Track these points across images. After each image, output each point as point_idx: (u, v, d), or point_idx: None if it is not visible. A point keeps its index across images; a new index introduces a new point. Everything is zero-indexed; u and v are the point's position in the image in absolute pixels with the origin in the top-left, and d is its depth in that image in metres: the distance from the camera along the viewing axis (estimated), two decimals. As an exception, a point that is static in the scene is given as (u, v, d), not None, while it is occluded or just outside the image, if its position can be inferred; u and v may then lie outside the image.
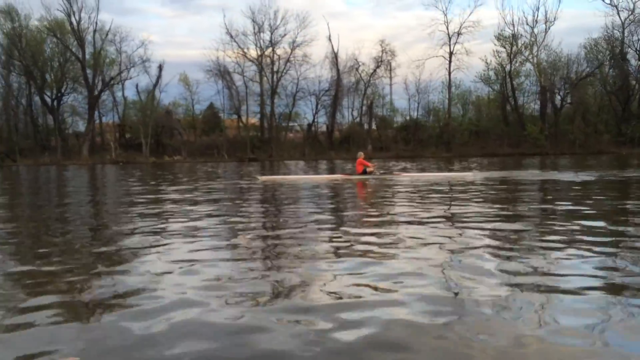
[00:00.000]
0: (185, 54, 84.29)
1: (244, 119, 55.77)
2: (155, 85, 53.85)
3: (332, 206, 9.20)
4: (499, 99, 52.62)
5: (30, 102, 52.68)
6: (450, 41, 49.11)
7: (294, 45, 50.49)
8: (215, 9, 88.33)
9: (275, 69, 51.37)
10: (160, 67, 53.55)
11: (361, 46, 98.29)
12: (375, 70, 54.51)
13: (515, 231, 5.74)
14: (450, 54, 49.21)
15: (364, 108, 54.25)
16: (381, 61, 54.16)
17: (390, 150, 48.94)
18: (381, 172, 17.17)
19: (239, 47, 51.71)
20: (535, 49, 49.89)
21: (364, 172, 16.45)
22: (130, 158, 48.69)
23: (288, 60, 50.68)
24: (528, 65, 51.19)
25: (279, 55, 51.86)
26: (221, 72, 53.37)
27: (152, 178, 21.79)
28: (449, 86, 49.95)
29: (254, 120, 56.99)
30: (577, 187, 11.75)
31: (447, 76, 49.81)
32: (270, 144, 50.13)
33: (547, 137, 47.24)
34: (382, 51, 53.79)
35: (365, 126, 54.09)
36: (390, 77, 54.19)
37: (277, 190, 12.59)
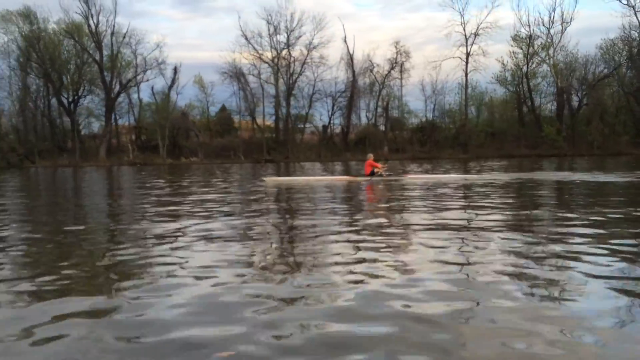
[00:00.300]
0: (195, 56, 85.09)
1: (258, 120, 56.15)
2: (170, 87, 54.27)
3: (340, 206, 9.21)
4: (514, 100, 52.45)
5: (48, 104, 53.11)
6: (467, 42, 48.97)
7: (310, 47, 50.64)
8: (225, 11, 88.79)
9: (291, 70, 51.49)
10: (175, 69, 54.01)
11: (375, 47, 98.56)
12: (389, 72, 54.59)
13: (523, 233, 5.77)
14: (467, 55, 49.14)
15: (379, 109, 54.27)
16: (395, 62, 54.26)
17: (406, 152, 48.90)
18: (387, 173, 17.08)
19: (254, 48, 51.98)
20: (551, 50, 49.72)
21: (372, 174, 16.50)
22: (148, 160, 49.07)
23: (304, 62, 50.79)
24: (544, 67, 51.13)
25: (294, 57, 52.17)
26: (236, 74, 53.78)
27: (172, 179, 22.01)
28: (466, 87, 49.91)
29: (268, 122, 57.26)
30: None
31: (464, 77, 49.69)
32: (287, 146, 50.23)
33: (564, 139, 46.98)
34: (397, 52, 53.93)
35: (381, 127, 54.02)
36: (401, 79, 54.17)
37: (284, 193, 12.65)
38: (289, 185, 15.70)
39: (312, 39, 50.91)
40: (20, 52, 52.04)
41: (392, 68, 54.29)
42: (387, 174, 16.88)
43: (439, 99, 52.20)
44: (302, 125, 54.65)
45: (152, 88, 55.41)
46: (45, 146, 52.11)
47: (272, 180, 17.29)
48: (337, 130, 56.64)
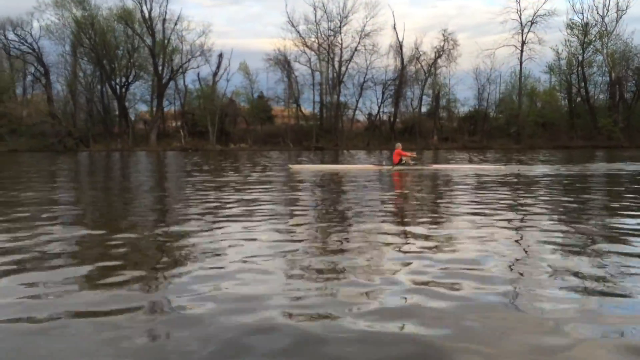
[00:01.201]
0: (225, 43, 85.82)
1: (303, 107, 56.26)
2: (215, 74, 54.54)
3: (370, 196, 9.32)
4: (563, 90, 51.46)
5: (101, 89, 54.00)
6: (522, 30, 48.04)
7: (362, 34, 50.40)
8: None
9: (341, 58, 51.41)
10: (220, 56, 54.13)
11: (423, 35, 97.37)
12: (435, 60, 53.96)
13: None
14: (522, 43, 48.20)
15: (428, 98, 53.86)
16: (442, 50, 53.61)
17: (456, 141, 48.47)
18: (413, 162, 17.17)
19: (300, 35, 51.95)
20: (605, 38, 48.45)
21: (400, 163, 16.66)
22: (199, 145, 49.59)
23: (356, 49, 50.62)
24: (598, 56, 49.88)
25: (344, 44, 52.02)
26: (281, 61, 53.93)
27: (231, 164, 22.34)
28: (520, 76, 49.06)
29: (307, 110, 57.20)
30: None
31: (519, 66, 48.94)
32: (335, 133, 50.30)
33: (621, 130, 45.97)
34: (444, 40, 53.21)
35: (430, 116, 53.58)
36: (449, 67, 53.42)
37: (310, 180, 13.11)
38: (314, 172, 16.12)
39: (365, 26, 50.65)
40: (73, 37, 52.89)
41: (439, 56, 53.79)
42: (412, 162, 17.06)
43: (489, 87, 51.47)
44: (353, 113, 54.53)
45: (198, 75, 56.00)
46: (97, 131, 53.07)
47: (297, 168, 17.63)
48: (384, 118, 56.43)
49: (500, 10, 71.88)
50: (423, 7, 79.86)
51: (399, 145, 17.82)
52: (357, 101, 53.08)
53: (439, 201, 8.59)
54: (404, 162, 16.73)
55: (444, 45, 52.95)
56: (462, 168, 17.59)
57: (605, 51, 48.77)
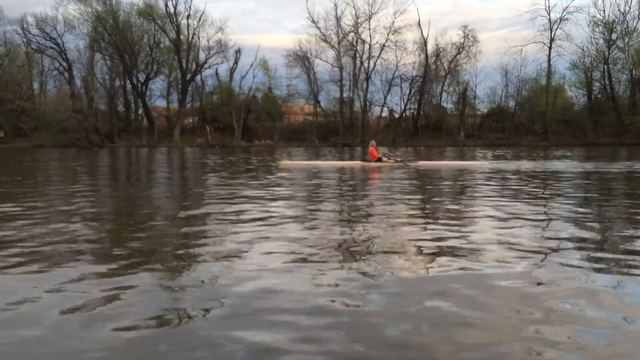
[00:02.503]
0: (243, 39, 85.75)
1: (324, 104, 56.14)
2: (233, 70, 54.34)
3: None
4: (584, 87, 51.40)
5: (124, 85, 53.88)
6: (551, 27, 47.91)
7: (390, 30, 50.40)
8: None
9: (371, 54, 51.45)
10: (238, 52, 53.73)
11: (443, 32, 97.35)
12: (455, 57, 53.83)
13: None
14: (551, 40, 48.10)
15: (447, 95, 53.89)
16: (462, 47, 53.45)
17: (482, 139, 48.47)
18: (398, 159, 17.58)
19: (321, 32, 51.93)
20: (627, 38, 48.32)
21: (380, 160, 17.07)
22: (225, 141, 49.55)
23: (384, 45, 50.58)
24: (621, 53, 49.73)
25: (363, 41, 51.93)
26: (301, 58, 53.94)
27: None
28: (549, 73, 49.01)
29: (312, 107, 56.97)
30: None
31: (547, 62, 48.89)
32: (363, 130, 50.35)
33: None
34: (464, 37, 52.98)
35: (455, 113, 53.57)
36: (473, 64, 53.27)
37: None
38: (302, 168, 16.68)
39: (393, 22, 50.68)
40: (94, 32, 52.69)
41: (459, 53, 53.64)
42: (397, 159, 17.59)
43: (518, 84, 51.44)
44: (381, 110, 54.57)
45: (217, 70, 55.76)
46: (121, 127, 53.03)
47: (285, 164, 18.22)
48: (408, 114, 56.36)
49: (527, 6, 71.45)
50: (443, 4, 79.46)
51: (373, 142, 18.28)
52: (385, 98, 53.14)
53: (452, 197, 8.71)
54: (390, 158, 17.53)
55: (464, 42, 52.97)
56: (448, 164, 17.95)
57: (627, 49, 48.66)
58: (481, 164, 18.33)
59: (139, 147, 48.14)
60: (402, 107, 54.17)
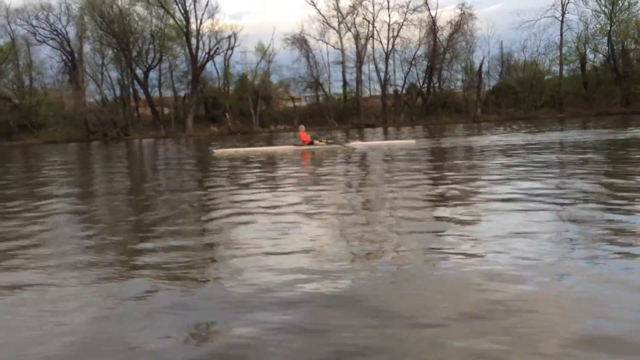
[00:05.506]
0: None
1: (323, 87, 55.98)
2: (228, 55, 53.30)
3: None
4: (579, 59, 53.27)
5: (134, 76, 52.30)
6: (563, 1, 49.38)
7: (407, 9, 50.84)
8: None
9: (390, 34, 51.75)
10: (234, 37, 52.42)
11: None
12: (452, 35, 54.50)
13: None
14: (563, 14, 49.60)
15: (463, 72, 54.81)
16: (459, 25, 54.20)
17: (500, 113, 49.74)
18: (329, 141, 18.69)
19: (341, 14, 51.84)
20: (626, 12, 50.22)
21: (311, 143, 17.92)
22: (247, 128, 49.05)
23: (402, 25, 50.99)
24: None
25: (389, 20, 52.22)
26: (299, 41, 53.76)
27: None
28: (561, 47, 50.47)
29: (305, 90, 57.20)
30: None
31: (559, 37, 50.33)
32: (382, 110, 50.89)
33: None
34: (461, 14, 53.55)
35: (468, 90, 54.60)
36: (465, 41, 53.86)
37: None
38: (238, 156, 17.14)
39: (410, 1, 51.13)
40: (95, 23, 50.89)
41: (455, 31, 54.34)
42: (328, 141, 18.69)
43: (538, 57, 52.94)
44: (401, 90, 54.98)
45: (225, 56, 54.67)
46: (133, 119, 51.75)
47: (221, 152, 18.60)
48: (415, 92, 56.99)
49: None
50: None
51: (302, 127, 19.26)
52: (405, 77, 53.66)
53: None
54: (321, 141, 18.49)
55: (460, 20, 53.57)
56: (380, 144, 19.04)
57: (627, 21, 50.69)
58: (408, 142, 19.20)
59: (158, 138, 47.10)
60: (415, 85, 54.67)
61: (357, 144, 18.34)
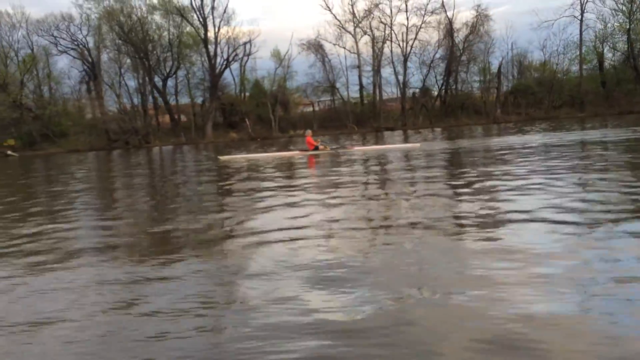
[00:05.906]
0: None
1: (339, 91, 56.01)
2: (244, 61, 53.52)
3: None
4: (597, 58, 52.97)
5: (151, 85, 52.63)
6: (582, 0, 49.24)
7: (425, 12, 50.87)
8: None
9: (408, 37, 51.80)
10: (250, 43, 52.63)
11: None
12: (467, 36, 54.41)
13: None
14: (582, 13, 49.44)
15: (480, 74, 54.67)
16: (474, 27, 54.09)
17: (519, 114, 49.51)
18: (335, 147, 18.68)
19: (356, 17, 51.92)
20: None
21: (316, 149, 18.02)
22: (266, 134, 49.18)
23: (421, 27, 50.98)
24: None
25: (407, 22, 52.11)
26: (314, 46, 53.85)
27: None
28: (580, 46, 50.32)
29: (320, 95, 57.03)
30: None
31: (579, 36, 50.13)
32: (402, 112, 50.84)
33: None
34: (477, 16, 53.47)
35: (486, 92, 54.41)
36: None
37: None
38: (244, 162, 17.28)
39: (427, 3, 51.09)
40: (114, 33, 51.31)
41: (471, 32, 54.26)
42: (333, 146, 18.75)
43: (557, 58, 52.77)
44: (418, 93, 54.88)
45: (241, 62, 54.90)
46: (152, 127, 52.01)
47: (225, 159, 18.68)
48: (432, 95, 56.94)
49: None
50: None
51: (309, 132, 19.26)
52: (424, 79, 53.63)
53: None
54: (326, 146, 18.44)
55: (476, 22, 53.49)
56: (384, 148, 19.05)
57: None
58: (413, 146, 19.13)
59: (178, 145, 47.34)
60: (439, 88, 54.60)
61: (361, 149, 18.42)
